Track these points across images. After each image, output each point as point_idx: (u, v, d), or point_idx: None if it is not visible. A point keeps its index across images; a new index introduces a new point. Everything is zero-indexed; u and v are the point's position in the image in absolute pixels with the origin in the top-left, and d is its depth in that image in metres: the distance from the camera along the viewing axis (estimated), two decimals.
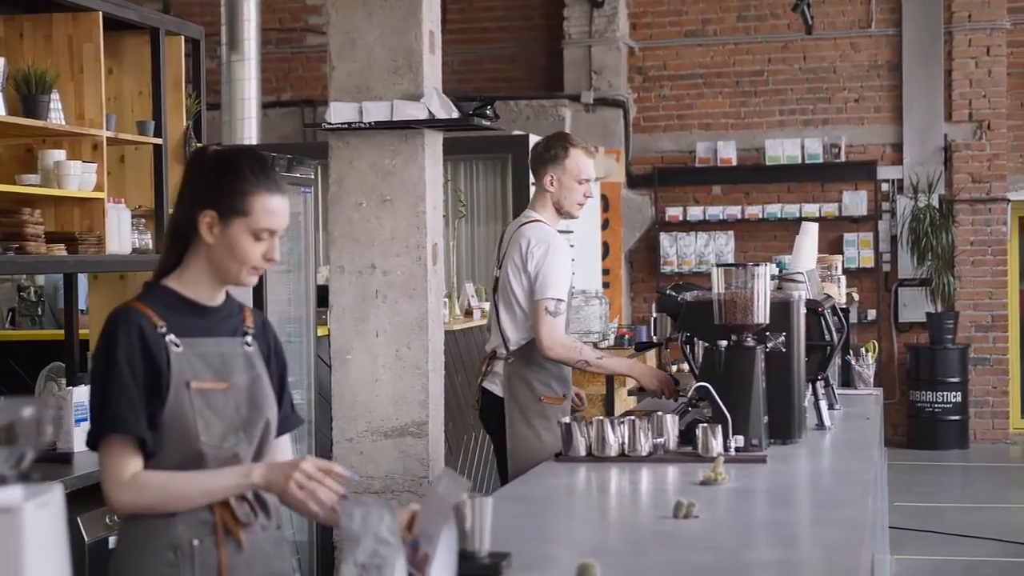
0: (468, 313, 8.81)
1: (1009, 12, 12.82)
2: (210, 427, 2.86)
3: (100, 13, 5.68)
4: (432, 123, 5.32)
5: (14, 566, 1.76)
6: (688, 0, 13.30)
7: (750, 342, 4.46)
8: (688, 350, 4.90)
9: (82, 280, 6.57)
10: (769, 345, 4.54)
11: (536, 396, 5.20)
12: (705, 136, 13.27)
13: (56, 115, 5.48)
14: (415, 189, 5.38)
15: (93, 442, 2.87)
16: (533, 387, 5.20)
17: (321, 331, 6.60)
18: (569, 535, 3.47)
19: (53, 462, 4.79)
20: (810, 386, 5.03)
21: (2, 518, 1.77)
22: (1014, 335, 13.09)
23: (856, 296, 11.59)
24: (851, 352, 6.68)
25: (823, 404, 5.10)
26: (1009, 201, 12.84)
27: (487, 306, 6.37)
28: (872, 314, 12.83)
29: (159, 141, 6.06)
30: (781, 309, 4.60)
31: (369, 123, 5.31)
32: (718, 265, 4.54)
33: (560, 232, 5.36)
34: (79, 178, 5.52)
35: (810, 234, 5.98)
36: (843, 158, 12.95)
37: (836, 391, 5.65)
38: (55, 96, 5.48)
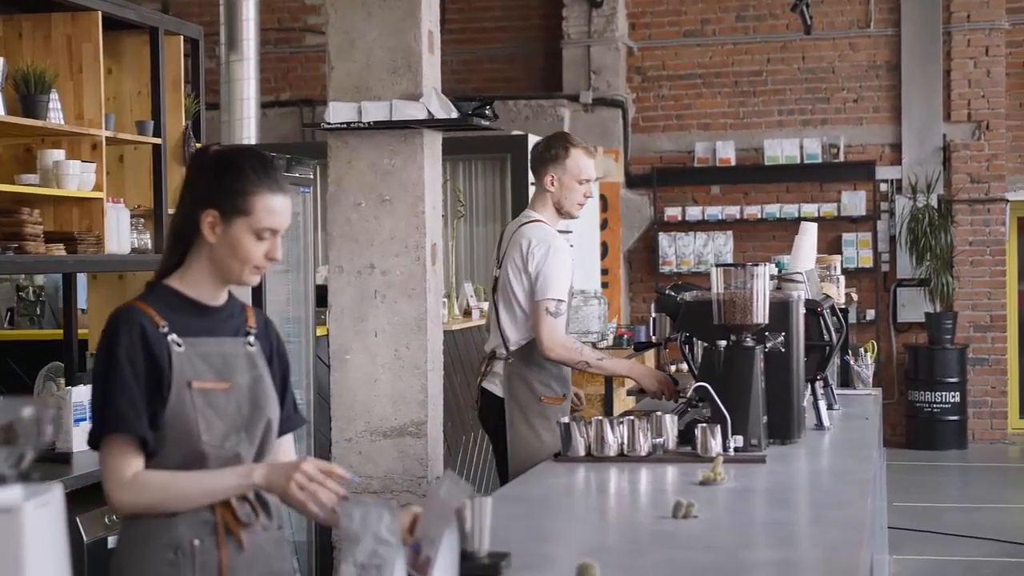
0: (467, 313, 8.81)
1: (1008, 12, 12.82)
2: (211, 427, 2.86)
3: (99, 13, 5.68)
4: (431, 123, 5.32)
5: (14, 566, 1.76)
6: (687, 0, 13.30)
7: (749, 342, 4.46)
8: (687, 350, 4.90)
9: (82, 280, 6.57)
10: (768, 345, 4.54)
11: (536, 396, 5.20)
12: (704, 136, 13.27)
13: (55, 115, 5.48)
14: (414, 189, 5.38)
15: (94, 441, 2.87)
16: (533, 387, 5.20)
17: (320, 331, 6.60)
18: (568, 535, 3.47)
19: (52, 462, 4.79)
20: (809, 386, 5.03)
21: (2, 518, 1.77)
22: (1013, 335, 13.09)
23: (855, 296, 11.61)
24: (850, 352, 6.68)
25: (822, 404, 5.10)
26: (1008, 201, 12.84)
27: (486, 306, 6.36)
28: (871, 314, 12.83)
29: (158, 141, 6.06)
30: (780, 309, 4.60)
31: (368, 123, 5.31)
32: (717, 265, 4.54)
33: (559, 232, 5.36)
34: (78, 178, 5.52)
35: (809, 234, 5.98)
36: (842, 158, 12.95)
37: (835, 391, 5.66)
38: (54, 96, 5.48)
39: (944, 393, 12.43)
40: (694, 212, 13.13)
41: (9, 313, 8.05)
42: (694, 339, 4.89)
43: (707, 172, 13.22)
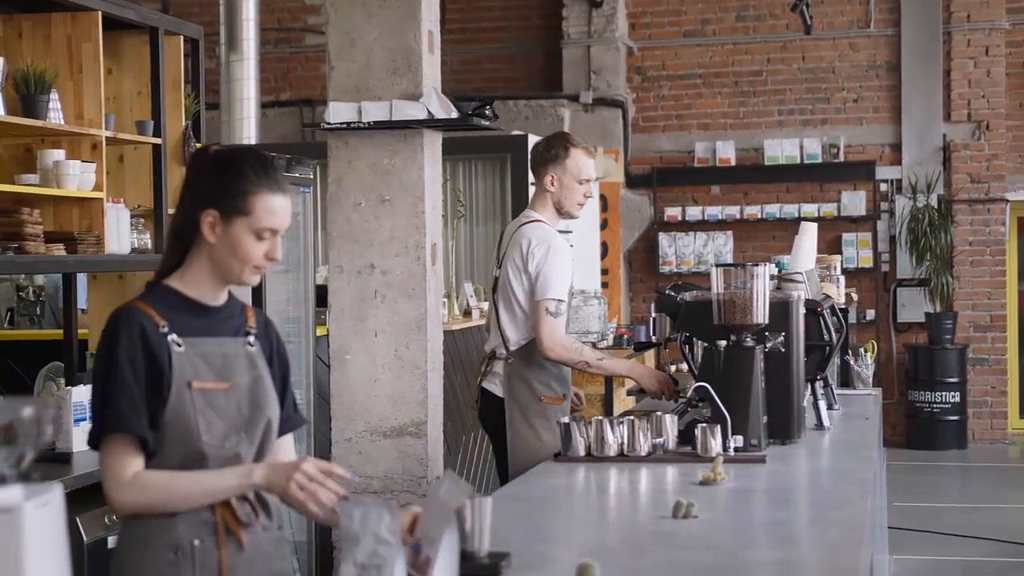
0: (467, 313, 8.81)
1: (1008, 12, 12.82)
2: (211, 427, 2.86)
3: (99, 13, 5.68)
4: (431, 123, 5.32)
5: (14, 566, 1.76)
6: (687, 0, 13.30)
7: (749, 342, 4.46)
8: (687, 350, 4.90)
9: (82, 280, 6.57)
10: (768, 345, 4.54)
11: (536, 396, 5.19)
12: (704, 136, 13.27)
13: (55, 115, 5.48)
14: (414, 189, 5.38)
15: (94, 441, 2.87)
16: (533, 387, 5.20)
17: (320, 331, 6.60)
18: (568, 535, 3.47)
19: (52, 462, 4.79)
20: (809, 386, 5.03)
21: (2, 518, 1.77)
22: (1013, 335, 13.09)
23: (855, 296, 11.60)
24: (850, 352, 6.68)
25: (822, 404, 5.10)
26: (1008, 201, 12.84)
27: (486, 306, 6.36)
28: (871, 314, 12.83)
29: (158, 141, 6.06)
30: (780, 309, 4.60)
31: (368, 123, 5.31)
32: (717, 265, 4.54)
33: (559, 232, 5.36)
34: (78, 178, 5.52)
35: (809, 234, 5.98)
36: (842, 158, 12.95)
37: (835, 391, 5.66)
38: (54, 96, 5.47)
39: (944, 393, 12.43)
40: (694, 212, 13.13)
41: (9, 313, 8.05)
42: (694, 339, 4.89)
43: (707, 172, 13.22)
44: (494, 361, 5.27)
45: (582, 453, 4.31)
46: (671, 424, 4.38)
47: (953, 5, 12.81)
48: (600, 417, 4.36)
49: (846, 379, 6.65)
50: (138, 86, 6.15)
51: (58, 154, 5.54)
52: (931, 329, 12.56)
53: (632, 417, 4.37)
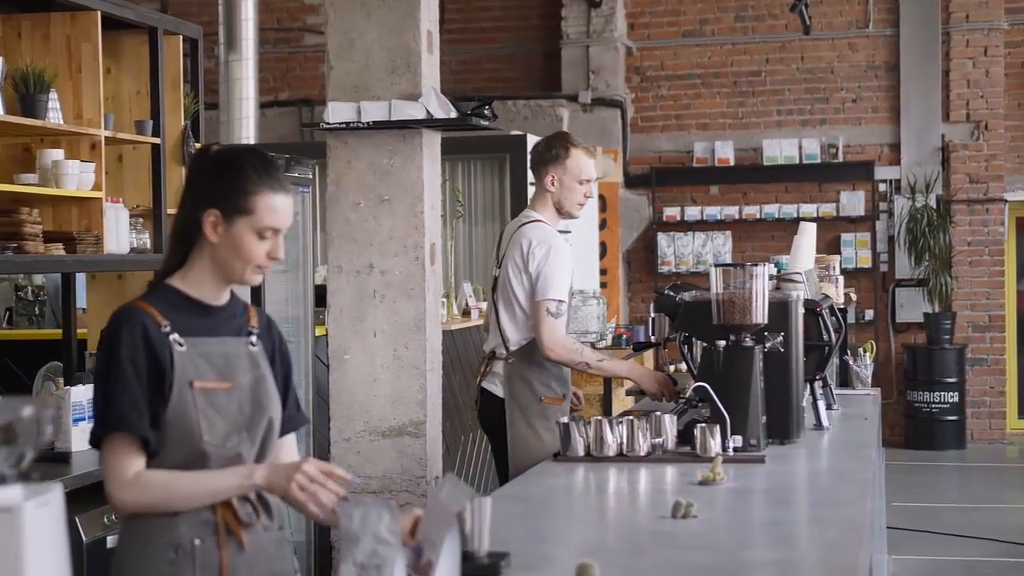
0: (466, 313, 8.81)
1: (1007, 12, 12.83)
2: (213, 427, 2.86)
3: (98, 12, 5.68)
4: (430, 123, 5.33)
5: (14, 566, 1.76)
6: (686, 0, 13.30)
7: (748, 342, 4.46)
8: (686, 350, 4.90)
9: (82, 279, 6.56)
10: (767, 345, 4.54)
11: (537, 396, 5.19)
12: (703, 136, 13.27)
13: (54, 114, 5.48)
14: (413, 189, 5.38)
15: (96, 441, 2.87)
16: (534, 387, 5.19)
17: (319, 331, 6.60)
18: (568, 535, 3.47)
19: (51, 462, 4.79)
20: (808, 386, 5.03)
21: (2, 518, 1.77)
22: (1011, 335, 13.09)
23: (853, 296, 11.60)
24: (849, 352, 6.68)
25: (821, 404, 5.10)
26: (1006, 201, 12.84)
27: (484, 306, 6.36)
28: (869, 314, 12.83)
29: (157, 141, 6.06)
30: (779, 309, 4.60)
31: (367, 123, 5.31)
32: (717, 265, 4.54)
33: (558, 232, 5.36)
34: (77, 177, 5.52)
35: (808, 234, 5.98)
36: (840, 158, 12.95)
37: (834, 391, 5.66)
38: (53, 95, 5.47)
39: (943, 393, 12.43)
40: (693, 212, 13.13)
41: (7, 313, 8.05)
42: (693, 339, 4.89)
43: (706, 172, 13.22)
44: (494, 361, 5.26)
45: (581, 453, 4.30)
46: (670, 424, 4.38)
47: (952, 5, 12.81)
48: (599, 417, 4.36)
49: (845, 379, 6.65)
50: (137, 86, 6.15)
51: (57, 154, 5.54)
52: (930, 329, 12.57)
53: (631, 417, 4.37)
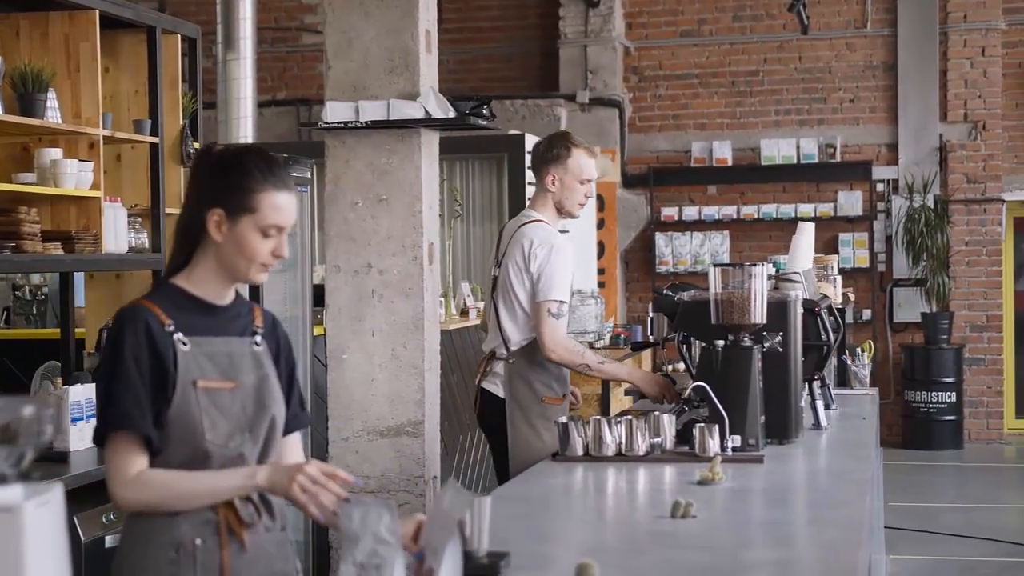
0: (464, 312, 8.81)
1: (1004, 12, 12.83)
2: (216, 426, 2.86)
3: (97, 12, 5.67)
4: (429, 122, 5.32)
5: (14, 565, 1.76)
6: (684, 0, 13.30)
7: (747, 342, 4.46)
8: (685, 350, 4.90)
9: (80, 279, 6.56)
10: (766, 345, 4.54)
11: (538, 397, 5.17)
12: (701, 136, 13.27)
13: (52, 114, 5.47)
14: (411, 188, 5.38)
15: (99, 439, 2.88)
16: (535, 387, 5.17)
17: (317, 330, 6.60)
18: (567, 535, 3.47)
19: (50, 462, 4.78)
20: (807, 386, 5.03)
21: (2, 517, 1.77)
22: (1009, 335, 13.10)
23: (851, 296, 11.61)
24: (847, 352, 6.68)
25: (819, 404, 5.10)
26: (1004, 201, 12.85)
27: (482, 305, 6.36)
28: (867, 314, 12.84)
29: (155, 140, 6.05)
30: (778, 309, 4.60)
31: (365, 122, 5.31)
32: (716, 265, 4.54)
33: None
34: (75, 177, 5.52)
35: (807, 234, 5.98)
36: (838, 158, 12.96)
37: (832, 391, 5.66)
38: (51, 95, 5.47)
39: (940, 393, 12.44)
40: (691, 212, 13.13)
41: (5, 312, 8.05)
42: (692, 339, 4.89)
43: (704, 172, 13.22)
44: (494, 361, 5.23)
45: (580, 453, 4.30)
46: (669, 424, 4.38)
47: (950, 5, 12.82)
48: (598, 417, 4.36)
49: (843, 379, 6.65)
50: (135, 85, 6.15)
51: (55, 153, 5.53)
52: (927, 329, 12.57)
53: (630, 417, 4.37)
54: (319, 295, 5.88)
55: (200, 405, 2.85)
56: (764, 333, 4.53)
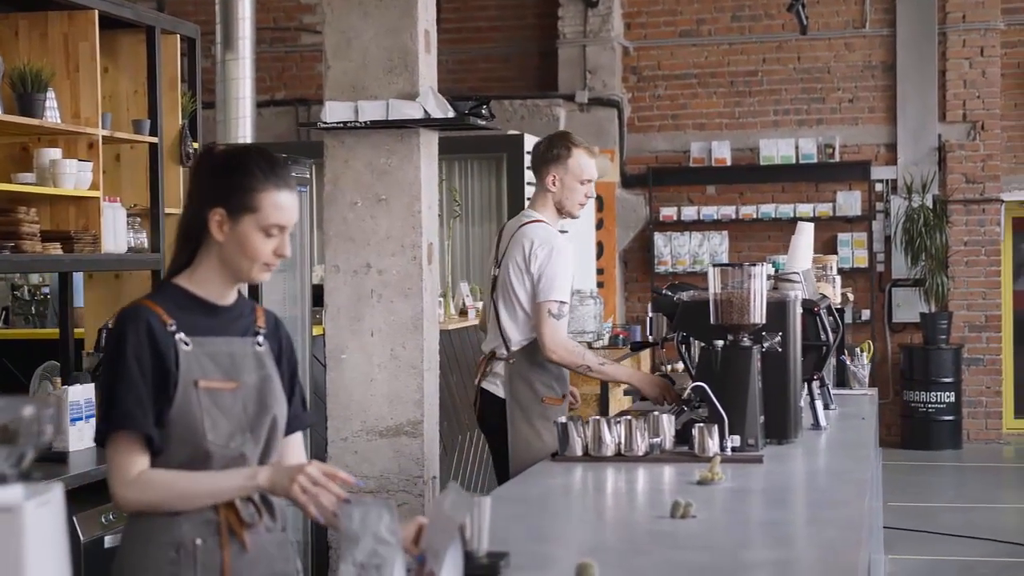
0: (463, 312, 8.81)
1: (1003, 13, 12.84)
2: (217, 426, 2.86)
3: (96, 11, 5.67)
4: (428, 122, 5.32)
5: (14, 565, 1.76)
6: (683, 0, 13.30)
7: (746, 342, 4.46)
8: (684, 350, 4.90)
9: (79, 279, 6.56)
10: (765, 345, 4.54)
11: (538, 397, 5.16)
12: (699, 136, 13.27)
13: (52, 114, 5.47)
14: (410, 188, 5.38)
15: (101, 439, 2.88)
16: (535, 388, 5.16)
17: (316, 330, 6.59)
18: (567, 535, 3.47)
19: (49, 462, 4.78)
20: (806, 386, 5.03)
21: (3, 517, 1.77)
22: (1007, 335, 13.10)
23: (850, 296, 11.61)
24: (846, 352, 6.68)
25: (819, 404, 5.10)
26: (1003, 202, 12.85)
27: (481, 305, 6.35)
28: (866, 314, 12.84)
29: (155, 140, 6.05)
30: (777, 309, 4.60)
31: (365, 122, 5.31)
32: (715, 265, 4.54)
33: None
34: (75, 177, 5.51)
35: (806, 234, 5.98)
36: (837, 158, 12.96)
37: (831, 391, 5.66)
38: (51, 95, 5.47)
39: (939, 393, 12.44)
40: (690, 212, 13.13)
41: (4, 312, 8.05)
42: (691, 339, 4.89)
43: (703, 172, 13.22)
44: (494, 361, 5.23)
45: (579, 453, 4.30)
46: (668, 424, 4.38)
47: (948, 5, 12.82)
48: (597, 417, 4.36)
49: (842, 379, 6.65)
50: (134, 85, 6.15)
51: (55, 153, 5.53)
52: (926, 329, 12.58)
53: (629, 417, 4.36)
54: (318, 295, 5.88)
55: (201, 405, 2.85)
56: (763, 333, 4.54)
